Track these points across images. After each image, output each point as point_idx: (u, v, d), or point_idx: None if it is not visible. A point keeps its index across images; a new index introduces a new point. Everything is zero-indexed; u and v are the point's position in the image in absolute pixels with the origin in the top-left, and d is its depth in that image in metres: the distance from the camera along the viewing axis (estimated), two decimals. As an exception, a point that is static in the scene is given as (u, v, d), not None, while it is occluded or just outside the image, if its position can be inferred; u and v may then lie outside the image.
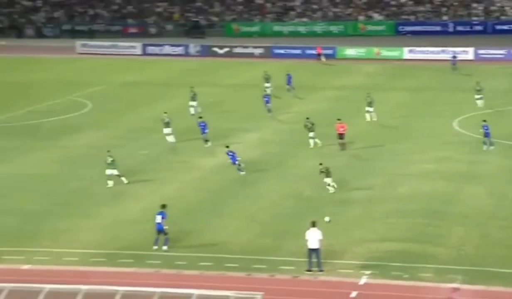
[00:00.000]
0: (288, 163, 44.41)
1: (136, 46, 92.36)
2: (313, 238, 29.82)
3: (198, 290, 23.90)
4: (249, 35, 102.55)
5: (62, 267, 30.03)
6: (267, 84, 63.03)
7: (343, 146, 46.54)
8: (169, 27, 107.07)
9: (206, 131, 47.74)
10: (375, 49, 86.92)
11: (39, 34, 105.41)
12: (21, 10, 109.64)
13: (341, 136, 46.76)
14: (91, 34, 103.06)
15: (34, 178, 41.78)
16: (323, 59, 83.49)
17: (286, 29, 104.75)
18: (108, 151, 40.60)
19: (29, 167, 43.97)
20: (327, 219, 31.80)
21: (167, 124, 48.07)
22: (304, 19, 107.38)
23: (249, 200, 38.15)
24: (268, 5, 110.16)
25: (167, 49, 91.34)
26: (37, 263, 30.38)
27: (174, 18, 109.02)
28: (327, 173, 38.72)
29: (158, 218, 31.77)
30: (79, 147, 48.23)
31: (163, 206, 32.27)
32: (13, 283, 24.31)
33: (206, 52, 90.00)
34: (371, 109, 53.95)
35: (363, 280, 28.98)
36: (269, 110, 55.90)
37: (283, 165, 43.99)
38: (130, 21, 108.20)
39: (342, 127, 46.85)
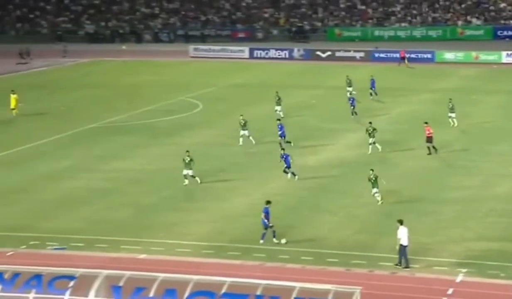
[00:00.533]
0: (387, 163, 43.85)
1: (244, 50, 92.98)
2: (404, 235, 29.28)
3: (300, 283, 23.84)
4: (350, 39, 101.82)
5: (175, 257, 30.47)
6: (349, 88, 61.81)
7: (430, 150, 45.07)
8: (275, 32, 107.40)
9: (283, 133, 46.31)
10: (473, 53, 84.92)
11: (156, 39, 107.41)
12: (141, 17, 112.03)
13: (428, 139, 45.33)
14: (202, 39, 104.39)
15: (150, 173, 42.58)
16: (406, 62, 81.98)
17: (386, 33, 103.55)
18: (187, 151, 39.97)
19: (146, 163, 44.86)
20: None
21: (244, 126, 47.14)
22: (404, 24, 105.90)
23: (348, 197, 37.86)
24: (370, 10, 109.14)
25: (273, 53, 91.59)
26: (152, 253, 30.94)
27: (280, 23, 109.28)
28: (374, 183, 36.30)
29: (262, 215, 31.78)
30: (191, 144, 48.79)
31: (268, 202, 32.32)
32: (131, 271, 24.83)
33: (310, 56, 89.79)
34: (453, 114, 51.68)
35: (459, 278, 28.37)
36: (354, 113, 54.61)
37: (381, 165, 43.47)
38: (238, 26, 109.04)
39: (429, 130, 45.42)
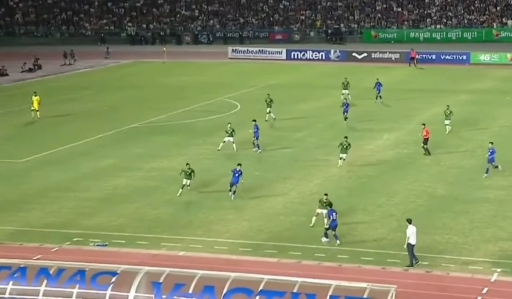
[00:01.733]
0: (422, 162, 43.52)
1: (281, 51, 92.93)
2: (413, 234, 29.14)
3: (336, 281, 23.73)
4: (386, 41, 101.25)
5: (213, 255, 30.52)
6: (345, 91, 60.79)
7: (426, 151, 44.41)
8: (312, 33, 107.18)
9: (257, 134, 45.84)
10: (508, 55, 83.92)
11: (195, 41, 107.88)
12: (181, 19, 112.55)
13: (425, 140, 44.68)
14: (241, 40, 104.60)
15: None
16: (415, 63, 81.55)
17: (422, 35, 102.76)
18: (187, 164, 38.25)
19: (185, 161, 44.97)
20: None
21: (230, 134, 45.81)
22: (439, 26, 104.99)
23: (384, 196, 37.63)
24: (405, 12, 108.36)
25: (309, 54, 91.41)
26: (191, 250, 31.02)
27: (316, 25, 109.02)
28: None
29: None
30: (230, 144, 48.95)
31: (330, 205, 31.31)
32: (170, 268, 24.93)
33: (346, 57, 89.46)
34: (448, 122, 49.53)
35: (494, 277, 28.05)
36: (346, 118, 52.82)
37: (416, 164, 43.18)
38: (276, 28, 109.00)
39: (426, 132, 44.76)
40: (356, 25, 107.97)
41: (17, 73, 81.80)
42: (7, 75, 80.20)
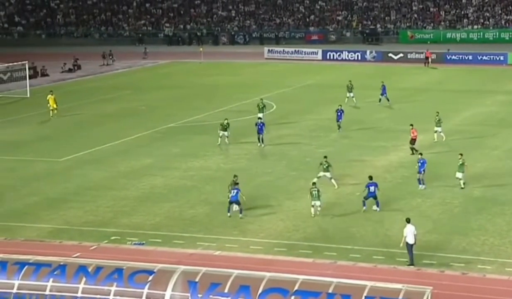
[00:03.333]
0: (457, 164, 43.06)
1: (317, 52, 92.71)
2: (410, 233, 29.12)
3: (371, 282, 23.56)
4: (423, 41, 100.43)
5: (248, 254, 30.56)
6: (349, 94, 60.11)
7: (413, 150, 44.06)
8: (348, 34, 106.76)
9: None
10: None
11: (232, 41, 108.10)
12: (218, 20, 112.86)
13: (412, 141, 44.50)
14: (277, 41, 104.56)
15: (225, 172, 42.75)
16: (430, 62, 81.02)
17: (458, 36, 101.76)
18: (235, 176, 36.62)
19: (221, 161, 45.15)
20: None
21: (225, 129, 47.71)
22: (477, 26, 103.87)
23: (419, 197, 37.32)
24: (442, 13, 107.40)
25: (345, 55, 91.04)
26: (226, 250, 31.08)
27: (352, 25, 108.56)
28: (316, 196, 34.36)
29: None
30: (265, 145, 48.99)
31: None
32: (206, 267, 24.97)
33: (382, 57, 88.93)
34: (439, 128, 47.51)
35: (531, 280, 27.69)
36: (339, 127, 50.76)
37: (453, 165, 42.71)
38: (312, 29, 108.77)
39: (414, 133, 44.54)
40: (392, 26, 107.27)
41: (57, 73, 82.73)
42: (47, 75, 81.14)
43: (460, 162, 38.20)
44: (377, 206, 35.11)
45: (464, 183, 37.95)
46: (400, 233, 32.58)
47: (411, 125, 45.59)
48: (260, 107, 54.24)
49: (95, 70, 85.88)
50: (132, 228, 33.73)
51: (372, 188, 34.96)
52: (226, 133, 48.04)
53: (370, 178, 35.49)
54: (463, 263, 29.11)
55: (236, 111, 60.16)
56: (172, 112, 59.97)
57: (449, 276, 28.29)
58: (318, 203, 34.36)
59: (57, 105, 58.30)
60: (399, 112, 58.20)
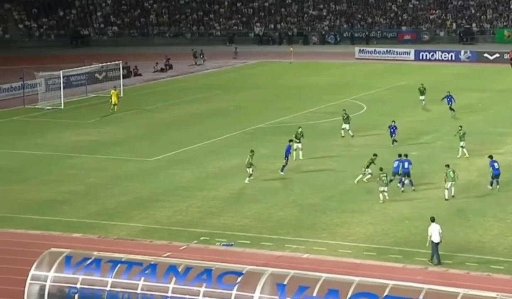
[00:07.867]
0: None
1: (409, 52, 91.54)
2: (435, 232, 29.24)
3: (464, 289, 23.06)
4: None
5: (337, 258, 30.48)
6: (421, 97, 59.00)
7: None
8: (441, 33, 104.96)
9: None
10: None
11: (322, 41, 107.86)
12: (308, 19, 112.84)
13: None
14: (367, 41, 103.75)
15: (314, 173, 42.77)
16: None
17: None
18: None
19: (311, 163, 45.09)
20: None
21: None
22: None
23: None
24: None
25: (439, 55, 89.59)
26: (315, 253, 31.08)
27: (446, 25, 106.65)
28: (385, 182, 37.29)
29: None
30: (353, 146, 48.72)
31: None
32: (294, 270, 25.01)
33: (477, 58, 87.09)
34: (462, 143, 44.29)
35: None
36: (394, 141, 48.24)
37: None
38: (404, 28, 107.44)
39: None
40: (488, 25, 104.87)
41: (149, 73, 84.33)
42: (140, 75, 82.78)
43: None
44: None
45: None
46: (495, 238, 32.05)
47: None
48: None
49: (186, 70, 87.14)
50: (221, 229, 34.12)
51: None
52: (300, 145, 45.42)
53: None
54: (561, 273, 28.25)
55: (325, 113, 59.97)
56: (260, 113, 60.28)
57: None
58: (385, 188, 36.79)
59: (118, 101, 60.71)
60: (495, 115, 56.86)
